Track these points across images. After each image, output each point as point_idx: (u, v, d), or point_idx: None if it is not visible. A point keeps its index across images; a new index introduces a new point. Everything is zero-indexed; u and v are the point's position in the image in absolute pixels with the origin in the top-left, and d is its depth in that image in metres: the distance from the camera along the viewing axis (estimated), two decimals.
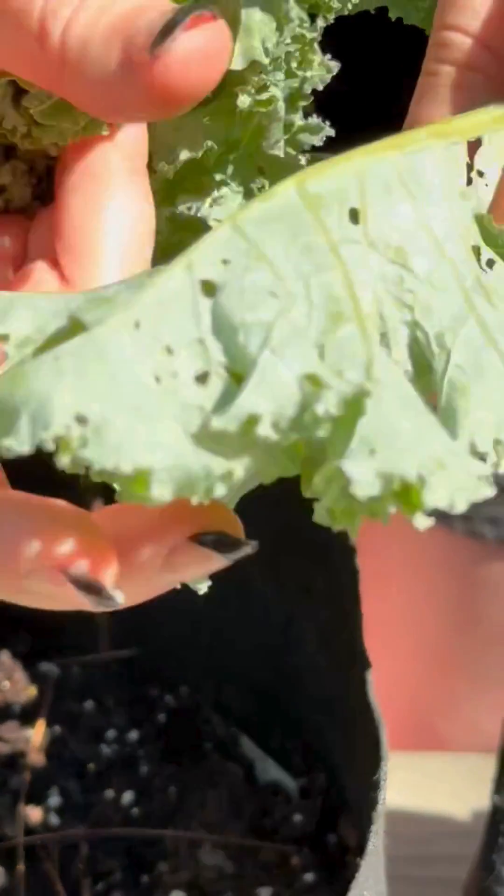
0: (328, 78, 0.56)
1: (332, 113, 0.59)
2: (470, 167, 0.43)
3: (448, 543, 0.98)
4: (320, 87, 0.56)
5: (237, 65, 0.51)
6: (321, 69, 0.55)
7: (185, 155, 0.54)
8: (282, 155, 0.56)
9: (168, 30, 0.39)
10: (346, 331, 0.36)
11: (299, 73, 0.54)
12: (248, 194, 0.57)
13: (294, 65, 0.54)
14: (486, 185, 0.43)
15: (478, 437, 0.37)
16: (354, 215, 0.39)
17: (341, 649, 0.86)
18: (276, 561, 0.86)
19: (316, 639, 0.92)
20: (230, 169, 0.56)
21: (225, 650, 0.99)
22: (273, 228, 0.37)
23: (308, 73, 0.55)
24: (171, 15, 0.39)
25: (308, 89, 0.55)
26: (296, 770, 0.99)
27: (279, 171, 0.56)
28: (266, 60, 0.52)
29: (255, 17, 0.51)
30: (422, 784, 1.08)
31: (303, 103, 0.56)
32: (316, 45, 0.55)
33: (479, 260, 0.41)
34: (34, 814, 0.94)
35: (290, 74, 0.54)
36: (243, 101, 0.53)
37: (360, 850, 0.87)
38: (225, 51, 0.40)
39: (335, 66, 0.56)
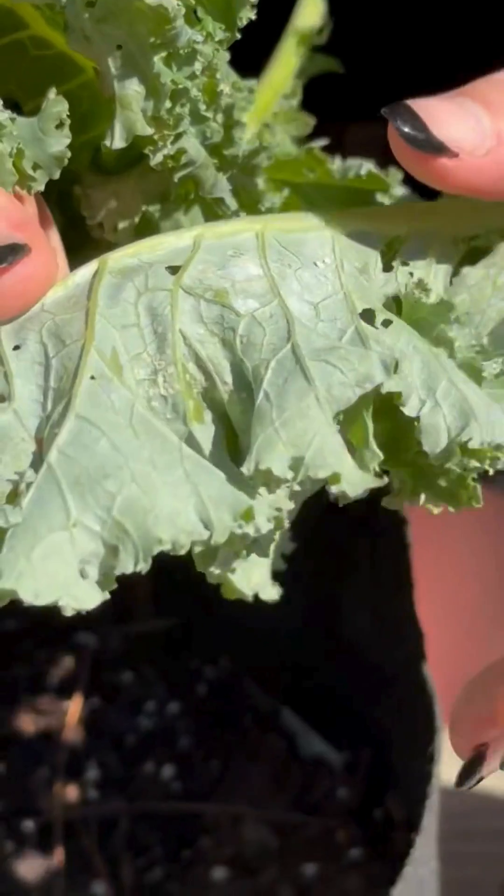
0: (249, 101, 0.56)
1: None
2: (385, 254, 0.50)
3: (497, 505, 0.94)
4: (244, 117, 0.56)
5: (119, 143, 0.51)
6: (234, 99, 0.55)
7: (124, 224, 0.57)
8: (224, 196, 0.56)
9: None
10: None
11: (208, 114, 0.54)
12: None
13: (202, 108, 0.53)
14: (411, 273, 0.49)
15: (275, 462, 0.41)
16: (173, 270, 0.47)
17: (392, 620, 0.83)
18: (321, 534, 0.83)
19: (365, 610, 0.89)
20: (185, 222, 0.59)
21: (267, 621, 0.96)
22: None
23: (218, 114, 0.54)
24: None
25: (235, 122, 0.55)
26: (340, 743, 0.96)
27: (252, 200, 0.58)
28: (150, 130, 0.51)
29: (129, 90, 0.51)
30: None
31: (238, 134, 0.56)
32: (219, 80, 0.54)
33: (370, 320, 0.46)
34: (72, 789, 0.92)
35: (199, 119, 0.53)
36: (157, 159, 0.53)
37: (408, 825, 0.85)
38: (39, 279, 0.47)
39: (249, 85, 0.57)
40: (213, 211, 0.57)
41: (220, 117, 0.54)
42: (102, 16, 0.50)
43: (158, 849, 0.92)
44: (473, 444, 0.44)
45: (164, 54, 0.51)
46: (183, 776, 0.94)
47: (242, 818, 0.93)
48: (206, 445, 0.45)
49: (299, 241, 0.49)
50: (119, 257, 0.49)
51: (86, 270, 0.49)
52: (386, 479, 0.44)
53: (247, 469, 0.42)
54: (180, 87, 0.51)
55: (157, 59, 0.51)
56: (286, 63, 0.68)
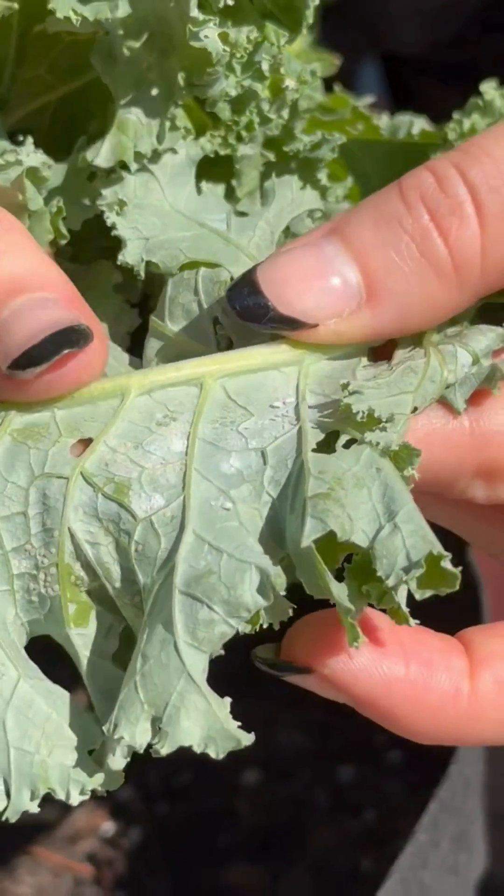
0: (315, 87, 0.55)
1: None
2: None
3: None
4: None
5: (102, 162, 0.49)
6: (300, 93, 0.51)
7: None
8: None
9: (29, 362, 0.42)
10: None
11: (271, 115, 0.51)
12: None
13: (266, 108, 0.51)
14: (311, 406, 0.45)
15: (134, 730, 0.41)
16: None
17: None
18: None
19: None
20: None
21: None
22: None
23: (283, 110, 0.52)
24: (37, 344, 0.42)
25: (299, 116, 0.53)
26: None
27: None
28: (134, 166, 0.49)
29: (132, 116, 0.49)
30: None
31: (300, 127, 0.53)
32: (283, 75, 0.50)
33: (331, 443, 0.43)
34: None
35: (264, 120, 0.51)
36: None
37: None
38: (94, 365, 0.43)
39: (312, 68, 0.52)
40: None
41: (285, 113, 0.51)
42: (137, 35, 0.48)
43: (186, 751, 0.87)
44: (447, 565, 0.40)
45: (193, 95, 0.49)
46: (213, 673, 0.89)
47: (275, 719, 0.90)
48: (84, 652, 0.44)
49: (256, 385, 0.45)
50: (30, 407, 0.45)
51: None
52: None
53: (107, 729, 0.42)
54: (246, 91, 0.49)
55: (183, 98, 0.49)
56: None
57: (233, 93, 0.48)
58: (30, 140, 0.48)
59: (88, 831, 0.88)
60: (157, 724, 0.41)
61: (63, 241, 0.49)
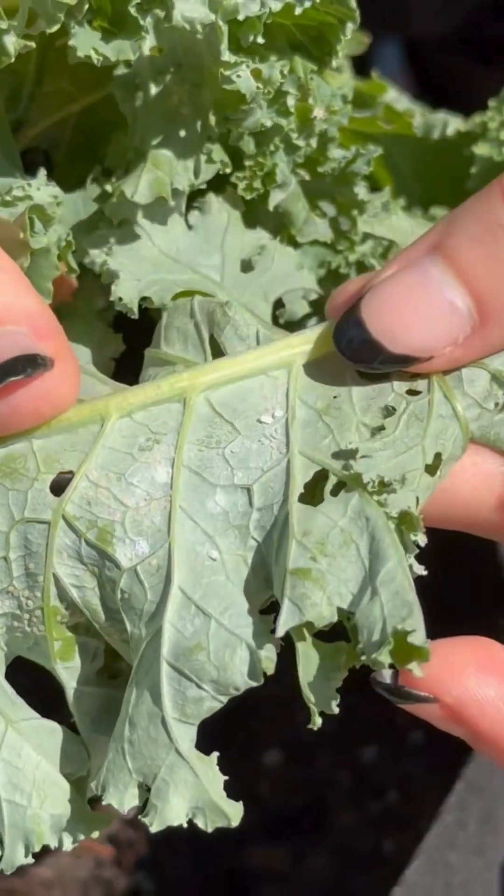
0: (345, 112, 0.52)
1: None
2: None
3: None
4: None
5: (141, 199, 0.48)
6: (329, 122, 0.50)
7: None
8: (318, 238, 0.53)
9: None
10: None
11: (300, 143, 0.50)
12: None
13: (293, 136, 0.49)
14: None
15: (121, 797, 0.41)
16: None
17: None
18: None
19: None
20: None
21: None
22: None
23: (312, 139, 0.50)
24: None
25: (330, 140, 0.51)
26: None
27: (352, 204, 0.53)
28: (172, 203, 0.48)
29: (166, 153, 0.48)
30: None
31: (333, 148, 0.51)
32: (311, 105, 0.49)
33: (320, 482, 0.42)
34: None
35: (291, 149, 0.50)
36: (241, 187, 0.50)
37: None
38: (56, 398, 0.42)
39: (343, 92, 0.51)
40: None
41: (313, 141, 0.50)
42: (166, 68, 0.46)
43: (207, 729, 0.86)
44: (414, 639, 0.39)
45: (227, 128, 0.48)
46: None
47: (297, 700, 0.88)
48: (70, 684, 0.44)
49: (242, 394, 0.43)
50: (5, 439, 0.43)
51: None
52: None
53: (94, 787, 0.42)
54: (271, 126, 0.48)
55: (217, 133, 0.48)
56: None
57: (257, 128, 0.47)
58: (42, 173, 0.46)
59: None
60: (144, 790, 0.41)
61: (73, 276, 0.48)
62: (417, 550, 0.40)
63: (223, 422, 0.43)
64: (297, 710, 0.88)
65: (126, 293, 0.47)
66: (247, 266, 0.50)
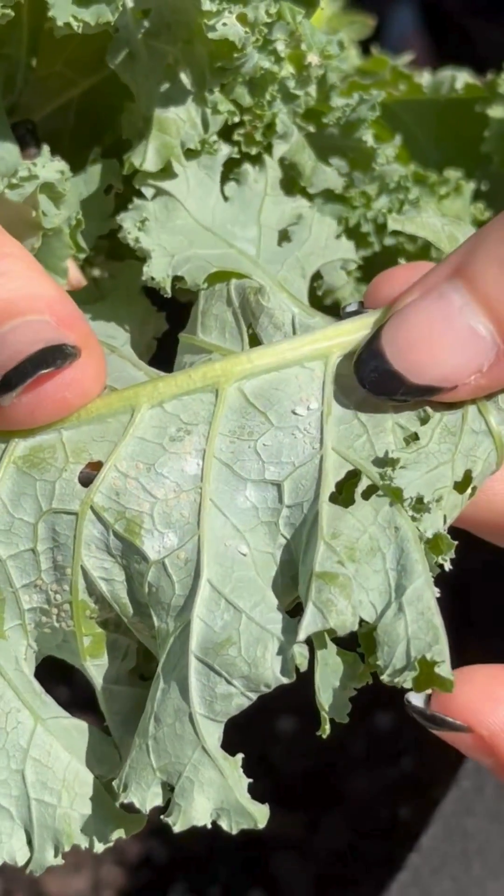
0: (343, 58, 0.51)
1: None
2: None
3: None
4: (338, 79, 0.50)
5: (150, 167, 0.46)
6: (325, 67, 0.48)
7: None
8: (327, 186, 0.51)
9: (6, 386, 0.39)
10: None
11: (298, 92, 0.49)
12: None
13: (291, 85, 0.49)
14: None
15: (145, 795, 0.40)
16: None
17: None
18: None
19: None
20: None
21: None
22: None
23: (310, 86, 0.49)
24: (15, 367, 0.39)
25: (330, 87, 0.49)
26: None
27: (364, 158, 0.51)
28: (185, 162, 0.47)
29: (171, 114, 0.46)
30: None
31: (335, 97, 0.49)
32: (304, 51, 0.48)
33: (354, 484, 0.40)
34: None
35: (289, 98, 0.48)
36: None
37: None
38: (84, 387, 0.40)
39: (339, 39, 0.49)
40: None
41: (312, 90, 0.48)
42: (156, 30, 0.45)
43: None
44: (441, 671, 0.37)
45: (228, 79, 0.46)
46: None
47: (311, 665, 0.87)
48: (98, 681, 0.43)
49: (277, 383, 0.42)
50: (34, 430, 0.42)
51: None
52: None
53: (116, 785, 0.41)
54: (267, 72, 0.46)
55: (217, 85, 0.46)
56: None
57: (257, 72, 0.46)
58: (46, 149, 0.45)
59: None
60: (167, 789, 0.40)
61: (82, 256, 0.47)
62: (440, 571, 0.39)
63: (256, 412, 0.42)
64: (312, 675, 0.87)
65: (158, 272, 0.45)
66: (283, 236, 0.48)
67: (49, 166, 0.44)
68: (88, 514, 0.41)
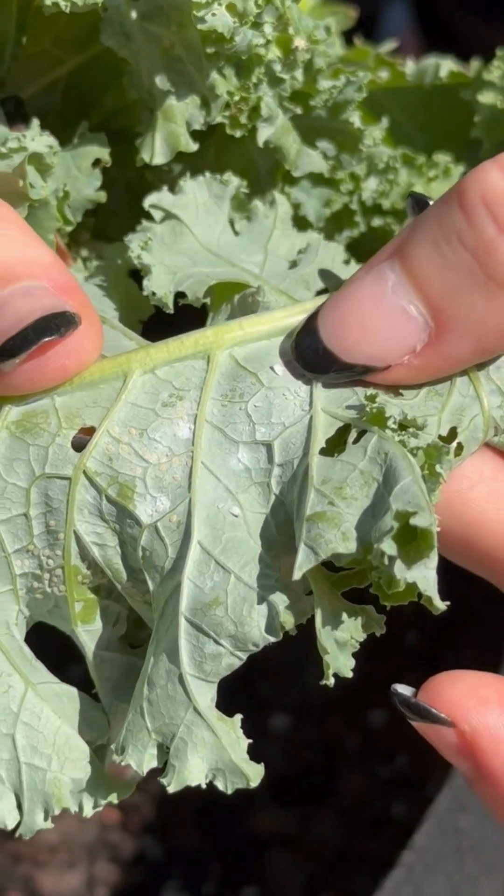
0: (329, 44, 0.51)
1: None
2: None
3: None
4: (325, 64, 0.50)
5: (160, 159, 0.47)
6: (311, 52, 0.49)
7: None
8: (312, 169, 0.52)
9: (8, 352, 0.39)
10: None
11: (284, 76, 0.49)
12: None
13: (277, 69, 0.48)
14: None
15: (141, 756, 0.41)
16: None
17: None
18: None
19: None
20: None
21: None
22: None
23: (296, 70, 0.49)
24: (18, 333, 0.39)
25: (317, 72, 0.50)
26: None
27: (352, 140, 0.52)
28: (193, 147, 0.48)
29: (174, 101, 0.47)
30: None
31: (322, 80, 0.50)
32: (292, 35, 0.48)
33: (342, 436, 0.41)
34: None
35: (276, 82, 0.49)
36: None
37: (485, 667, 0.78)
38: (83, 353, 0.41)
39: (326, 24, 0.49)
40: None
41: (299, 73, 0.49)
42: (149, 13, 0.45)
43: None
44: (418, 521, 0.37)
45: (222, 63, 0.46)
46: None
47: (305, 663, 0.88)
48: (90, 647, 0.43)
49: (268, 348, 0.42)
50: (27, 395, 0.42)
51: None
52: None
53: (115, 748, 0.41)
54: (254, 53, 0.46)
55: (214, 68, 0.46)
56: None
57: (251, 50, 0.46)
58: (35, 123, 0.45)
59: None
60: (163, 751, 0.40)
61: (69, 228, 0.47)
62: (442, 483, 0.39)
63: (248, 374, 0.42)
64: (306, 674, 0.87)
65: (159, 287, 0.46)
66: (291, 265, 0.48)
67: (38, 140, 0.44)
68: (81, 479, 0.41)
